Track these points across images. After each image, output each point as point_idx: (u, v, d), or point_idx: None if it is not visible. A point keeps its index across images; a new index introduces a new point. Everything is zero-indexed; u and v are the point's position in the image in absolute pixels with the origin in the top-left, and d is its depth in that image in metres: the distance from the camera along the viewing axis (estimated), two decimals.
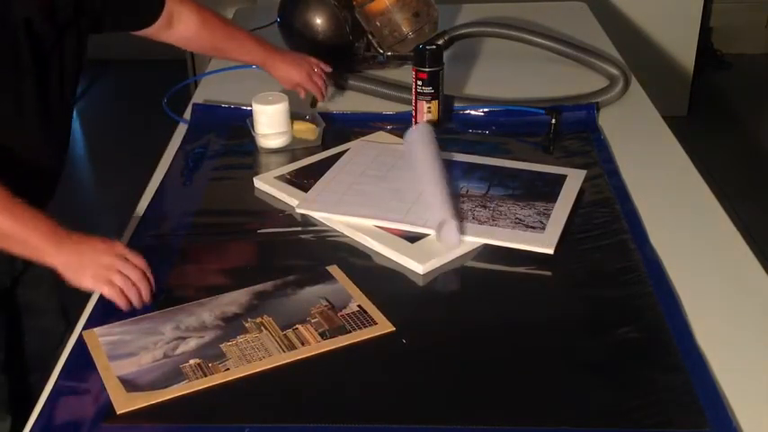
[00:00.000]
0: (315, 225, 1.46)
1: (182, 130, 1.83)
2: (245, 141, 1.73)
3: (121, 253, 1.22)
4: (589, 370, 1.13)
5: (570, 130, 1.76)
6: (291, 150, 1.70)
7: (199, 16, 1.68)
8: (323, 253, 1.39)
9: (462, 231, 1.37)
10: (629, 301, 1.25)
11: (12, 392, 1.46)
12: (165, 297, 1.27)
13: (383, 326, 1.20)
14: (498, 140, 1.75)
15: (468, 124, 1.81)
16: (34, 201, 1.42)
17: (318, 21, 2.00)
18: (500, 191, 1.51)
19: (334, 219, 1.45)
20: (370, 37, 2.02)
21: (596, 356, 1.15)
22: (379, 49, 2.03)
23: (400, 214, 1.43)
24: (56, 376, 1.14)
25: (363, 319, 1.21)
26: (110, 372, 1.13)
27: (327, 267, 1.33)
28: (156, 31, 1.65)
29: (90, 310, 1.26)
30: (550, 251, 1.34)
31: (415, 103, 1.68)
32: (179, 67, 3.81)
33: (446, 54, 1.87)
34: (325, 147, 1.71)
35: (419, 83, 1.65)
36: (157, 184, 1.61)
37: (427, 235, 1.38)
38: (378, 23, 1.98)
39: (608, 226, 1.43)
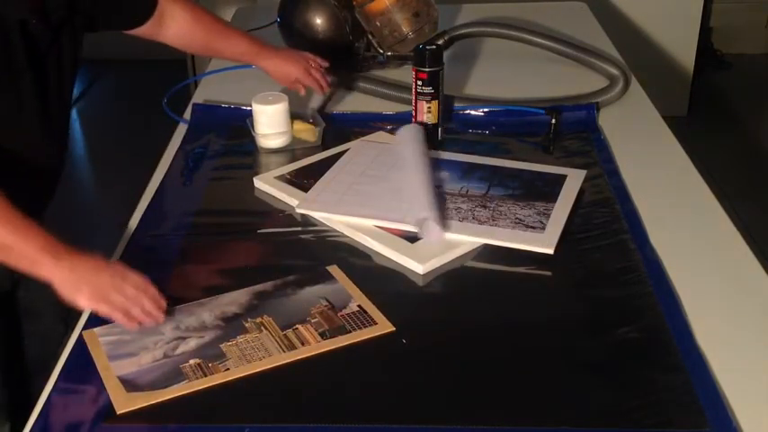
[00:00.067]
0: (315, 225, 1.46)
1: (182, 130, 1.83)
2: (245, 141, 1.73)
3: (120, 273, 1.19)
4: (589, 370, 1.13)
5: (570, 130, 1.76)
6: (291, 150, 1.70)
7: (191, 14, 1.67)
8: (323, 253, 1.39)
9: (445, 228, 1.37)
10: (629, 301, 1.25)
11: (11, 397, 1.46)
12: (165, 297, 1.27)
13: (383, 326, 1.20)
14: (498, 140, 1.75)
15: (468, 124, 1.81)
16: (35, 201, 1.42)
17: (318, 21, 2.00)
18: (500, 191, 1.51)
19: (334, 219, 1.45)
20: (370, 37, 2.02)
21: (596, 356, 1.15)
22: (379, 49, 2.03)
23: (400, 214, 1.42)
24: (55, 377, 1.14)
25: (363, 319, 1.21)
26: (110, 372, 1.13)
27: (327, 267, 1.33)
28: (148, 30, 1.63)
29: (90, 310, 1.25)
30: (550, 251, 1.34)
31: (415, 103, 1.68)
32: (179, 67, 3.81)
33: (446, 54, 1.87)
34: (325, 147, 1.71)
35: (419, 83, 1.65)
36: (157, 184, 1.61)
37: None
38: (378, 23, 1.98)
39: (608, 226, 1.43)
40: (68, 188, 3.47)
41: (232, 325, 1.21)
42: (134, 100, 4.16)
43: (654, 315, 1.21)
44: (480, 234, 1.38)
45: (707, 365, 1.11)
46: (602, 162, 1.63)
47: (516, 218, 1.42)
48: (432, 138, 1.70)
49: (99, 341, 1.19)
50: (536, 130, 1.76)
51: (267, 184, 1.57)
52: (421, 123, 1.69)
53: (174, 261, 1.38)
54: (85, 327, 1.22)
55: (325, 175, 1.57)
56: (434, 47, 1.67)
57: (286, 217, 1.50)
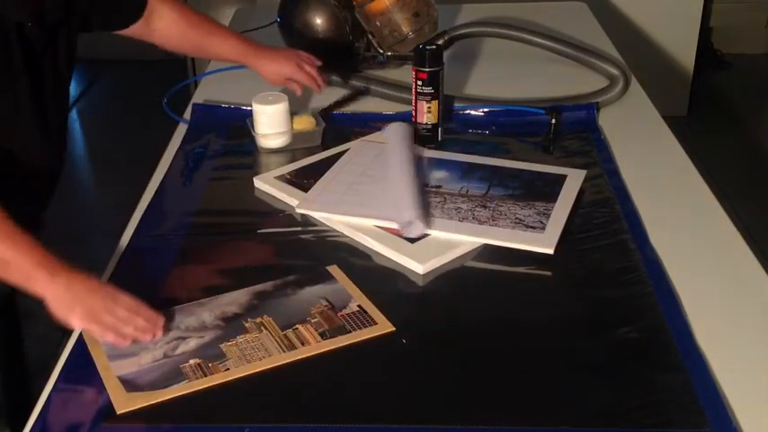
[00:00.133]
0: (315, 225, 1.46)
1: (182, 130, 1.83)
2: (245, 141, 1.73)
3: (112, 295, 1.18)
4: (589, 370, 1.13)
5: (570, 130, 1.76)
6: (291, 150, 1.70)
7: (178, 13, 1.66)
8: (323, 253, 1.39)
9: (428, 224, 1.38)
10: (629, 301, 1.25)
11: (11, 400, 1.46)
12: (165, 297, 1.27)
13: (383, 326, 1.20)
14: (498, 140, 1.75)
15: (468, 124, 1.81)
16: (34, 202, 1.42)
17: (318, 21, 2.00)
18: (500, 191, 1.51)
19: (334, 219, 1.45)
20: (370, 37, 2.02)
21: (596, 356, 1.15)
22: (379, 49, 2.03)
23: (397, 213, 1.42)
24: (55, 377, 1.14)
25: (363, 319, 1.21)
26: (110, 372, 1.13)
27: (327, 267, 1.33)
28: (138, 30, 1.62)
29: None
30: (550, 251, 1.34)
31: (415, 103, 1.68)
32: (179, 67, 3.81)
33: (446, 54, 1.87)
34: (325, 147, 1.71)
35: (419, 83, 1.65)
36: (157, 184, 1.61)
37: (428, 235, 1.38)
38: (378, 23, 1.98)
39: (608, 226, 1.43)
40: (68, 188, 3.48)
41: (232, 325, 1.21)
42: (133, 100, 4.16)
43: (654, 315, 1.21)
44: (480, 234, 1.38)
45: (707, 365, 1.11)
46: (602, 162, 1.63)
47: (516, 218, 1.42)
48: (432, 138, 1.70)
49: (99, 341, 1.19)
50: (536, 130, 1.76)
51: (267, 184, 1.57)
52: (421, 123, 1.69)
53: (174, 261, 1.38)
54: None
55: (326, 175, 1.57)
56: (434, 47, 1.67)
57: (286, 217, 1.50)
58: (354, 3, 1.98)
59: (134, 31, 1.62)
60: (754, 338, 1.17)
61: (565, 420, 1.04)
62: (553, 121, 1.73)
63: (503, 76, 2.04)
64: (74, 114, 4.17)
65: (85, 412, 1.08)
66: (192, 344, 1.18)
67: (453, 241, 1.37)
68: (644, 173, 1.60)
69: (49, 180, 1.46)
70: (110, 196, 3.39)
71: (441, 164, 1.61)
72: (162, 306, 1.25)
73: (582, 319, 1.23)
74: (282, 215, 1.51)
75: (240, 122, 1.76)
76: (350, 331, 1.19)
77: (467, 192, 1.51)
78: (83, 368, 1.15)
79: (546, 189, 1.51)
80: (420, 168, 1.58)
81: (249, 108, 1.72)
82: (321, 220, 1.46)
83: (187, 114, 1.88)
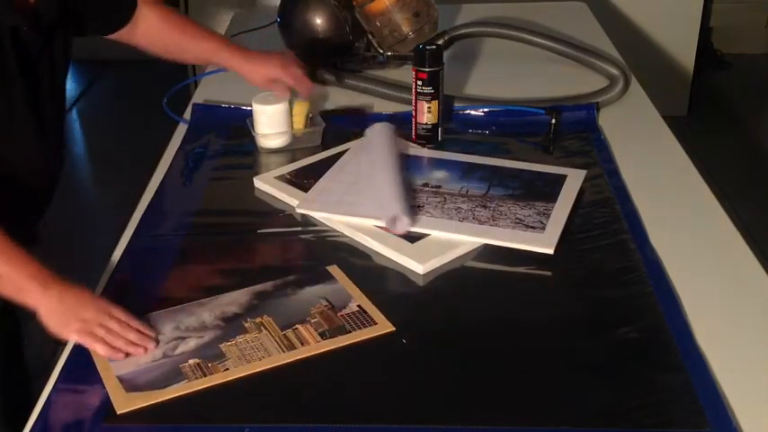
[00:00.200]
0: (315, 225, 1.46)
1: (182, 130, 1.83)
2: (245, 141, 1.73)
3: (104, 308, 1.18)
4: (589, 370, 1.13)
5: (570, 130, 1.76)
6: (291, 150, 1.70)
7: (162, 15, 1.64)
8: (323, 253, 1.39)
9: (413, 220, 1.38)
10: (629, 301, 1.25)
11: (10, 401, 1.46)
12: (165, 297, 1.27)
13: (383, 326, 1.20)
14: (498, 140, 1.75)
15: (468, 124, 1.81)
16: (32, 206, 1.42)
17: (318, 21, 2.00)
18: (500, 191, 1.51)
19: (334, 219, 1.45)
20: (370, 37, 2.02)
21: (596, 356, 1.15)
22: (379, 49, 2.03)
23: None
24: (55, 377, 1.14)
25: (363, 319, 1.21)
26: (109, 372, 1.13)
27: (327, 267, 1.33)
28: (122, 33, 1.61)
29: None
30: (550, 251, 1.34)
31: (415, 103, 1.68)
32: (179, 67, 3.80)
33: (446, 54, 1.87)
34: (325, 147, 1.71)
35: (419, 83, 1.65)
36: (157, 184, 1.61)
37: (428, 235, 1.38)
38: (378, 23, 1.98)
39: (608, 226, 1.43)
40: (68, 188, 3.48)
41: (232, 325, 1.21)
42: (134, 100, 4.16)
43: (654, 315, 1.21)
44: (480, 234, 1.38)
45: (707, 365, 1.11)
46: (602, 162, 1.63)
47: (516, 218, 1.42)
48: (432, 138, 1.70)
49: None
50: (536, 130, 1.76)
51: (267, 184, 1.57)
52: (421, 123, 1.69)
53: (174, 261, 1.38)
54: None
55: (326, 175, 1.57)
56: (434, 47, 1.67)
57: (286, 217, 1.50)
58: (354, 3, 1.98)
59: (120, 34, 1.61)
60: (754, 338, 1.17)
61: (565, 420, 1.04)
62: (553, 121, 1.73)
63: (503, 76, 2.04)
64: (74, 114, 4.17)
65: (85, 412, 1.08)
66: (191, 344, 1.18)
67: (453, 241, 1.37)
68: (644, 173, 1.60)
69: (47, 185, 1.45)
70: (110, 196, 3.39)
71: (441, 164, 1.61)
72: (162, 306, 1.25)
73: (582, 319, 1.23)
74: (282, 215, 1.51)
75: (240, 122, 1.76)
76: (350, 331, 1.19)
77: (467, 192, 1.51)
78: (83, 368, 1.15)
79: (546, 189, 1.51)
80: (406, 165, 1.58)
81: (249, 108, 1.72)
82: (321, 220, 1.46)
83: (187, 114, 1.88)
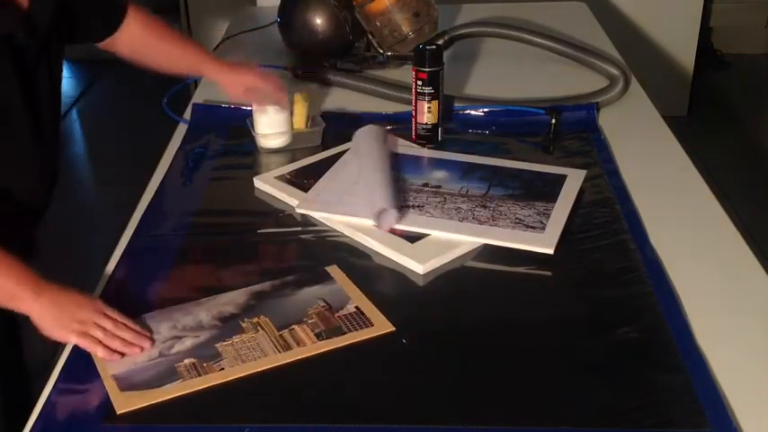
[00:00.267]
0: (315, 225, 1.46)
1: (182, 130, 1.83)
2: (245, 141, 1.73)
3: (99, 308, 1.18)
4: (589, 370, 1.13)
5: (570, 130, 1.76)
6: (291, 150, 1.70)
7: (143, 20, 1.61)
8: (323, 253, 1.39)
9: (400, 216, 1.39)
10: (629, 301, 1.25)
11: (10, 401, 1.45)
12: (165, 297, 1.27)
13: (380, 327, 1.20)
14: (498, 140, 1.75)
15: (468, 124, 1.81)
16: (29, 212, 1.42)
17: (318, 21, 2.00)
18: (500, 191, 1.51)
19: (334, 219, 1.45)
20: (370, 37, 2.02)
21: (596, 356, 1.15)
22: (379, 49, 2.03)
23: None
24: (55, 377, 1.14)
25: (360, 320, 1.21)
26: (108, 371, 1.13)
27: (326, 268, 1.33)
28: (108, 41, 1.59)
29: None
30: (550, 251, 1.34)
31: (415, 103, 1.68)
32: None
33: (446, 54, 1.87)
34: (325, 147, 1.71)
35: (419, 83, 1.65)
36: (157, 184, 1.61)
37: (428, 235, 1.38)
38: (378, 23, 1.98)
39: (608, 226, 1.43)
40: (68, 188, 3.48)
41: (229, 325, 1.21)
42: (134, 100, 4.16)
43: (654, 315, 1.21)
44: (480, 234, 1.38)
45: (707, 365, 1.11)
46: (602, 162, 1.63)
47: (516, 218, 1.42)
48: (432, 138, 1.70)
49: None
50: (536, 130, 1.76)
51: (267, 184, 1.57)
52: (421, 123, 1.69)
53: (174, 261, 1.38)
54: None
55: (326, 175, 1.57)
56: (434, 47, 1.67)
57: (286, 217, 1.50)
58: (354, 3, 1.98)
59: (105, 42, 1.59)
60: (754, 338, 1.17)
61: (565, 420, 1.04)
62: (553, 121, 1.73)
63: (503, 76, 2.05)
64: (74, 114, 4.17)
65: (85, 412, 1.08)
66: (187, 343, 1.18)
67: (453, 241, 1.37)
68: (644, 173, 1.60)
69: (45, 191, 1.44)
70: (110, 196, 3.39)
71: (441, 164, 1.61)
72: (161, 306, 1.25)
73: (582, 319, 1.23)
74: (282, 215, 1.51)
75: (240, 122, 1.76)
76: (346, 332, 1.19)
77: (467, 192, 1.51)
78: (83, 368, 1.15)
79: (546, 189, 1.51)
80: (405, 165, 1.58)
81: (249, 108, 1.72)
82: (321, 220, 1.46)
83: (187, 114, 1.88)
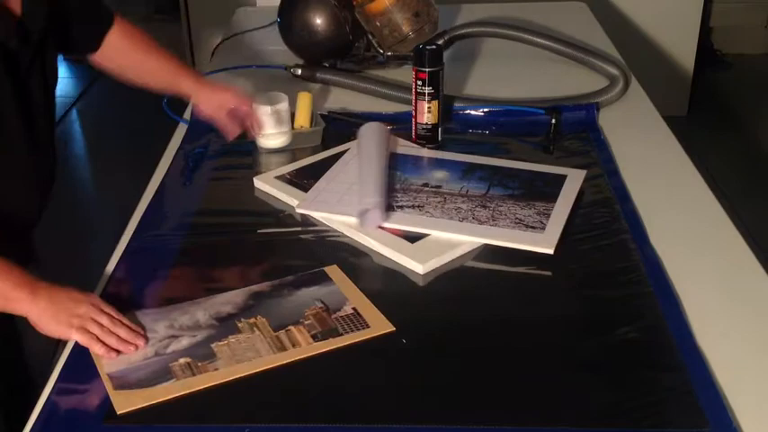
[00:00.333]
0: (315, 225, 1.46)
1: (182, 130, 1.83)
2: (244, 141, 1.73)
3: (97, 304, 1.19)
4: (589, 370, 1.13)
5: (570, 130, 1.76)
6: (291, 150, 1.70)
7: (123, 30, 1.59)
8: (323, 253, 1.39)
9: (386, 216, 1.39)
10: (629, 301, 1.25)
11: (9, 404, 1.45)
12: (165, 297, 1.27)
13: (378, 329, 1.19)
14: (498, 140, 1.75)
15: (468, 124, 1.81)
16: (25, 218, 1.41)
17: (318, 21, 2.00)
18: (500, 191, 1.51)
19: (334, 219, 1.45)
20: (370, 37, 2.02)
21: (596, 356, 1.15)
22: (379, 49, 2.03)
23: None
24: (55, 377, 1.14)
25: (357, 322, 1.21)
26: (104, 370, 1.13)
27: (326, 268, 1.33)
28: (97, 55, 1.58)
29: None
30: (550, 251, 1.34)
31: (415, 103, 1.68)
32: None
33: (446, 54, 1.87)
34: (325, 147, 1.71)
35: (419, 83, 1.65)
36: (157, 184, 1.61)
37: (428, 235, 1.38)
38: (378, 23, 1.98)
39: (608, 226, 1.43)
40: (68, 188, 3.48)
41: (225, 325, 1.21)
42: (134, 100, 4.15)
43: (654, 315, 1.21)
44: (480, 234, 1.38)
45: (707, 365, 1.11)
46: (603, 162, 1.63)
47: (516, 218, 1.42)
48: (432, 138, 1.70)
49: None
50: (536, 130, 1.76)
51: (267, 184, 1.57)
52: (421, 123, 1.69)
53: (173, 261, 1.38)
54: None
55: (325, 175, 1.57)
56: (434, 47, 1.67)
57: (286, 217, 1.50)
58: (354, 3, 1.98)
59: (95, 55, 1.57)
60: (753, 338, 1.17)
61: (565, 420, 1.04)
62: (553, 121, 1.73)
63: (503, 76, 2.05)
64: (74, 114, 4.17)
65: (85, 412, 1.08)
66: (183, 342, 1.18)
67: (453, 241, 1.37)
68: (644, 173, 1.60)
69: (40, 197, 1.44)
70: (110, 196, 3.39)
71: (441, 164, 1.61)
72: (161, 306, 1.25)
73: (582, 319, 1.23)
74: (282, 215, 1.51)
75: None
76: (342, 334, 1.19)
77: (467, 192, 1.51)
78: (83, 368, 1.15)
79: (546, 189, 1.51)
80: (404, 165, 1.58)
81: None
82: (321, 220, 1.46)
83: (187, 114, 1.88)
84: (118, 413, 1.06)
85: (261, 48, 2.22)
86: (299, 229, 1.46)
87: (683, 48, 3.74)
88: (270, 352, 1.15)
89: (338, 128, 1.77)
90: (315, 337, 1.18)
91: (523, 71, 2.08)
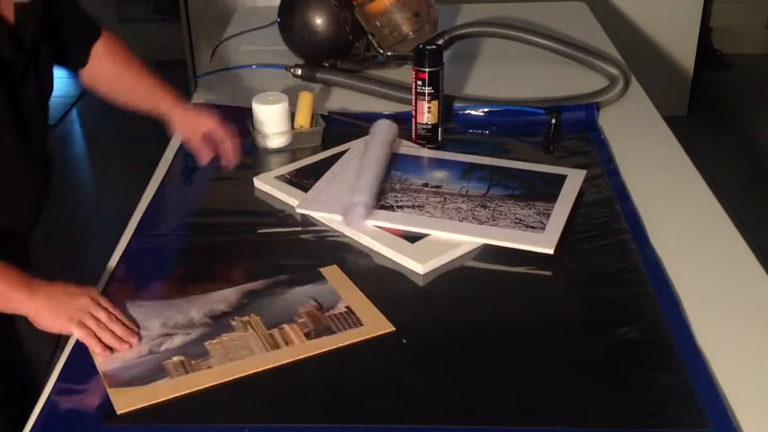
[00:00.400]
0: (315, 225, 1.46)
1: None
2: (245, 141, 1.73)
3: (94, 297, 1.19)
4: (589, 370, 1.13)
5: (570, 130, 1.76)
6: (291, 150, 1.70)
7: (106, 45, 1.56)
8: (323, 253, 1.39)
9: (370, 214, 1.40)
10: (629, 301, 1.25)
11: (9, 405, 1.45)
12: (165, 297, 1.27)
13: (371, 327, 1.19)
14: (498, 140, 1.75)
15: (468, 124, 1.81)
16: (19, 227, 1.41)
17: (318, 21, 2.00)
18: (500, 191, 1.51)
19: (335, 219, 1.45)
20: (370, 37, 2.02)
21: (596, 356, 1.15)
22: (379, 49, 2.03)
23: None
24: (55, 377, 1.14)
25: (350, 320, 1.21)
26: (100, 368, 1.13)
27: (326, 267, 1.33)
28: (86, 70, 1.56)
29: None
30: (550, 251, 1.34)
31: (415, 103, 1.68)
32: (179, 68, 3.81)
33: (446, 54, 1.87)
34: (325, 147, 1.71)
35: (419, 83, 1.65)
36: (157, 184, 1.61)
37: (428, 235, 1.38)
38: (378, 23, 1.98)
39: (608, 226, 1.43)
40: (68, 188, 3.48)
41: (219, 323, 1.21)
42: None
43: (654, 315, 1.21)
44: (480, 234, 1.38)
45: (707, 365, 1.11)
46: (603, 162, 1.63)
47: (516, 218, 1.42)
48: (432, 138, 1.70)
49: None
50: (536, 130, 1.76)
51: (267, 184, 1.57)
52: (421, 123, 1.69)
53: (174, 261, 1.38)
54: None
55: (326, 175, 1.57)
56: (434, 47, 1.67)
57: (286, 217, 1.50)
58: (354, 3, 1.98)
59: (84, 70, 1.56)
60: (753, 339, 1.17)
61: (565, 420, 1.04)
62: (553, 121, 1.73)
63: (503, 76, 2.04)
64: (74, 114, 4.17)
65: (85, 412, 1.08)
66: (177, 341, 1.18)
67: (453, 241, 1.37)
68: (644, 173, 1.60)
69: (35, 205, 1.43)
70: (110, 196, 3.39)
71: (441, 164, 1.61)
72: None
73: (582, 319, 1.23)
74: (282, 215, 1.51)
75: (240, 122, 1.76)
76: (335, 332, 1.19)
77: (467, 192, 1.51)
78: (83, 368, 1.15)
79: (546, 189, 1.51)
80: (403, 165, 1.58)
81: (249, 108, 1.72)
82: (321, 220, 1.46)
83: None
84: (118, 413, 1.06)
85: (261, 48, 2.22)
86: (299, 229, 1.46)
87: (683, 48, 3.74)
88: (263, 350, 1.16)
89: (338, 128, 1.77)
90: (308, 336, 1.18)
91: (523, 71, 2.07)
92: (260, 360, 1.14)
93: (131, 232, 1.46)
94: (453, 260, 1.35)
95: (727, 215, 1.46)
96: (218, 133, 1.59)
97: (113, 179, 3.54)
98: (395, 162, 1.60)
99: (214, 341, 1.18)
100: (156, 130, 1.93)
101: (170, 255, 1.40)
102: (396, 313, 1.22)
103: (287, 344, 1.17)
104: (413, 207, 1.45)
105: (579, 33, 2.22)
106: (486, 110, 1.83)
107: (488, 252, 1.36)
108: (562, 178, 1.54)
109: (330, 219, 1.45)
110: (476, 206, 1.45)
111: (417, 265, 1.32)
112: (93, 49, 1.55)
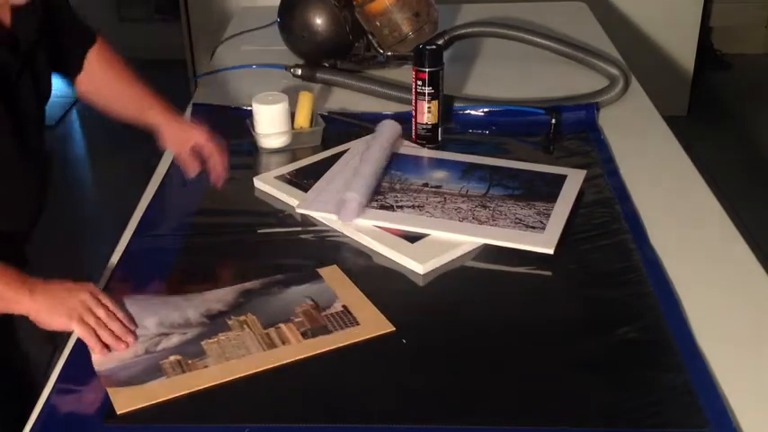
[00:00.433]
0: (315, 225, 1.46)
1: None
2: (244, 141, 1.73)
3: (94, 292, 1.19)
4: (589, 370, 1.13)
5: (570, 130, 1.76)
6: (291, 150, 1.70)
7: (104, 54, 1.56)
8: (323, 253, 1.39)
9: (361, 212, 1.41)
10: (629, 301, 1.25)
11: (9, 405, 1.45)
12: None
13: (368, 326, 1.19)
14: (498, 140, 1.75)
15: (468, 124, 1.81)
16: (17, 229, 1.40)
17: (318, 21, 2.00)
18: (500, 191, 1.51)
19: (334, 219, 1.45)
20: (370, 37, 2.02)
21: (596, 356, 1.15)
22: (379, 49, 2.03)
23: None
24: (55, 377, 1.14)
25: (346, 319, 1.21)
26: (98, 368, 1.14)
27: (323, 268, 1.33)
28: (82, 78, 1.55)
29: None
30: (550, 251, 1.34)
31: (415, 103, 1.68)
32: (179, 67, 3.81)
33: (446, 54, 1.87)
34: (325, 147, 1.71)
35: (419, 83, 1.65)
36: (157, 184, 1.61)
37: (428, 235, 1.38)
38: (378, 23, 1.98)
39: (608, 226, 1.43)
40: (68, 188, 3.48)
41: (216, 322, 1.21)
42: None
43: (654, 315, 1.21)
44: (480, 234, 1.38)
45: (707, 365, 1.11)
46: (603, 162, 1.63)
47: (516, 218, 1.42)
48: (432, 138, 1.70)
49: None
50: (536, 130, 1.76)
51: (267, 184, 1.57)
52: (421, 123, 1.69)
53: (174, 261, 1.38)
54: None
55: (325, 175, 1.57)
56: (434, 47, 1.67)
57: (286, 217, 1.50)
58: (354, 3, 1.98)
59: (79, 77, 1.54)
60: (754, 339, 1.17)
61: (565, 420, 1.04)
62: (553, 121, 1.73)
63: (503, 76, 2.04)
64: (74, 114, 4.17)
65: (85, 412, 1.08)
66: (173, 340, 1.18)
67: (453, 241, 1.37)
68: (644, 173, 1.60)
69: (33, 205, 1.43)
70: (110, 196, 3.39)
71: (441, 164, 1.61)
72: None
73: (582, 319, 1.23)
74: (282, 215, 1.51)
75: (240, 122, 1.76)
76: (331, 331, 1.19)
77: (467, 192, 1.51)
78: (83, 368, 1.15)
79: (546, 189, 1.51)
80: (403, 165, 1.58)
81: (249, 108, 1.72)
82: (321, 220, 1.46)
83: (187, 114, 1.88)
84: (118, 413, 1.06)
85: (261, 48, 2.22)
86: (299, 229, 1.46)
87: (683, 48, 3.74)
88: (259, 349, 1.16)
89: (338, 128, 1.77)
90: (305, 335, 1.18)
91: (523, 71, 2.07)
92: (256, 360, 1.14)
93: (131, 232, 1.46)
94: (453, 260, 1.35)
95: (728, 215, 1.46)
96: (207, 148, 1.56)
97: (113, 179, 3.54)
98: (395, 162, 1.60)
99: (211, 341, 1.18)
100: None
101: (170, 255, 1.40)
102: (396, 313, 1.22)
103: (284, 343, 1.17)
104: (413, 207, 1.45)
105: (579, 33, 2.23)
106: (486, 110, 1.84)
107: (488, 252, 1.36)
108: (562, 178, 1.54)
109: (330, 219, 1.45)
110: (476, 206, 1.45)
111: (417, 265, 1.32)
112: (90, 53, 1.54)
